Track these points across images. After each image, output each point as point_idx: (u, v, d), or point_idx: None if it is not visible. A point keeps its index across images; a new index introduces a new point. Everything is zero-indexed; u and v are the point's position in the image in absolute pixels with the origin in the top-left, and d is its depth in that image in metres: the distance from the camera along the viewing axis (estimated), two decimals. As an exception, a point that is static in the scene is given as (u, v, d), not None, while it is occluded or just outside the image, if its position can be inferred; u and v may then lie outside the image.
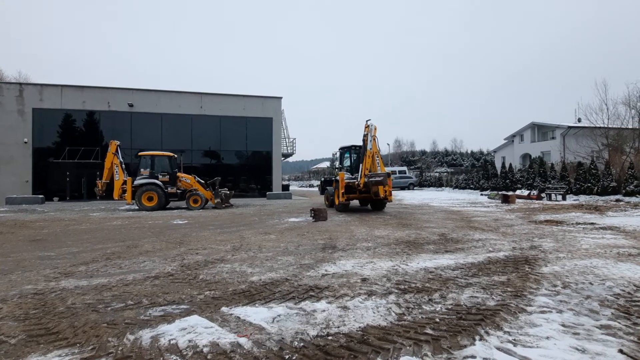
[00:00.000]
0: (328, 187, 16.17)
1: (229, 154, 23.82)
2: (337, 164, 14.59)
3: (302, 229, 8.52)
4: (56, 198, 20.53)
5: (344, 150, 14.35)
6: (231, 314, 3.05)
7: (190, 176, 15.64)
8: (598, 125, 21.99)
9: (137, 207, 14.65)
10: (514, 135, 39.97)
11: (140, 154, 15.56)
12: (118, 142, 15.39)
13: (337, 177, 13.20)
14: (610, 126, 22.90)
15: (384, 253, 5.65)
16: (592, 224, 9.06)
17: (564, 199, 17.50)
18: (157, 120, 22.20)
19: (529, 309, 3.17)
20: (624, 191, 16.20)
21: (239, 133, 23.65)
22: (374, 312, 3.07)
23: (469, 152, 66.95)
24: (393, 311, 3.10)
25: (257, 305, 3.29)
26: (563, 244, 6.31)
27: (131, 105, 21.62)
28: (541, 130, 37.07)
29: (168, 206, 15.77)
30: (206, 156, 23.47)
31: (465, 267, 4.69)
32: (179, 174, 15.59)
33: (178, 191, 15.26)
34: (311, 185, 59.52)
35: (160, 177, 15.06)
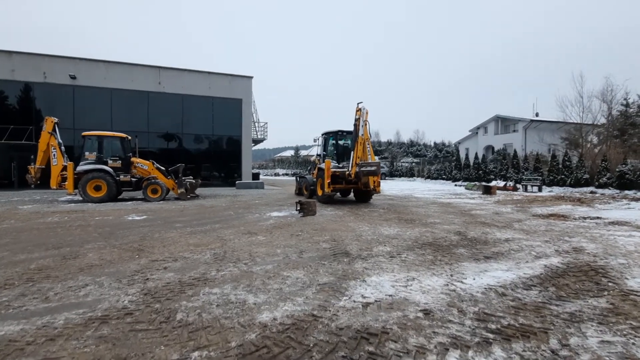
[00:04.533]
0: (306, 175, 14.78)
1: (191, 138, 21.36)
2: (319, 150, 13.15)
3: (293, 227, 7.11)
4: (-22, 186, 17.13)
5: (328, 135, 12.94)
6: (256, 419, 1.63)
7: (147, 162, 13.39)
8: (569, 120, 22.54)
9: (80, 198, 12.28)
10: (478, 127, 41.02)
11: (84, 134, 13.00)
12: (55, 120, 12.69)
13: (321, 165, 11.84)
14: (568, 121, 23.65)
15: (415, 262, 4.44)
16: (598, 217, 8.58)
17: (540, 190, 17.59)
18: (106, 96, 19.13)
19: None
20: (596, 183, 16.51)
21: (204, 114, 21.23)
22: (503, 395, 1.81)
23: (432, 143, 68.34)
24: (530, 389, 1.86)
25: (292, 384, 1.89)
26: (603, 244, 5.53)
27: (73, 77, 18.40)
28: (504, 123, 38.32)
29: (120, 197, 13.49)
30: (165, 139, 20.87)
31: (536, 283, 3.60)
32: (133, 158, 13.29)
33: (133, 179, 13.00)
34: (277, 174, 57.62)
35: (110, 162, 12.72)
